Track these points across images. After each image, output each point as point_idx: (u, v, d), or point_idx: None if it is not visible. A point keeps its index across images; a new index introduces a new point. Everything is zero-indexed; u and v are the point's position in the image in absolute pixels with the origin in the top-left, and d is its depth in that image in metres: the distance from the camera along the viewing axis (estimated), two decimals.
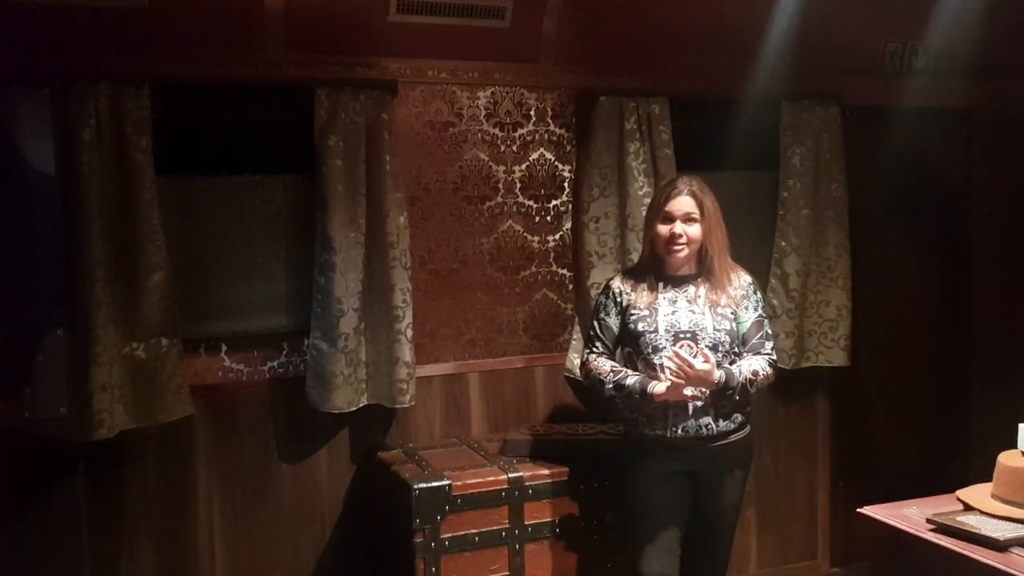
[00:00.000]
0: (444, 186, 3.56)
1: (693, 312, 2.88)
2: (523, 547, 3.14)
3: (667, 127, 3.71)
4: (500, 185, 3.64)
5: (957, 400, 4.52)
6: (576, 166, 3.73)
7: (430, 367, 3.56)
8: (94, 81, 2.96)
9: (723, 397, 2.84)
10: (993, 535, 2.30)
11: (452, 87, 3.54)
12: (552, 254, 3.74)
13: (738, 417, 2.91)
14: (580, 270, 3.72)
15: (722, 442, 2.90)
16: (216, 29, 3.12)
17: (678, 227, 2.88)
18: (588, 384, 3.04)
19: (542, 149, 3.69)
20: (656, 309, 2.89)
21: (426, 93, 3.51)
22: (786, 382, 4.01)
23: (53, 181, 3.01)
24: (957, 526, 2.37)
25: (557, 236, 3.74)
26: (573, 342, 3.71)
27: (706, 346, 2.83)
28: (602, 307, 3.03)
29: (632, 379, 2.87)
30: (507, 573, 3.12)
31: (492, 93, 3.60)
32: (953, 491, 2.65)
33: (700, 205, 2.89)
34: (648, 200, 3.57)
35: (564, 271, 3.76)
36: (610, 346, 3.00)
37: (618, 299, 2.99)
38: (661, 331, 2.87)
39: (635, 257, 3.54)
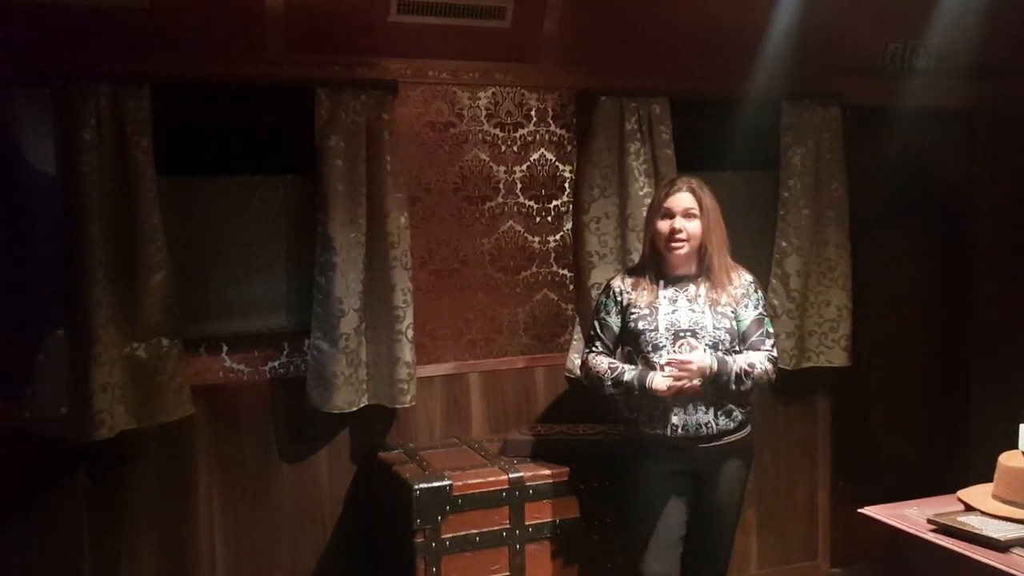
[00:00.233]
0: (445, 186, 3.56)
1: (693, 311, 2.88)
2: (524, 547, 3.14)
3: (667, 127, 3.71)
4: (501, 185, 3.64)
5: (958, 400, 4.52)
6: (577, 166, 3.73)
7: (431, 367, 3.56)
8: (95, 81, 2.96)
9: (721, 389, 2.82)
10: (994, 536, 2.30)
11: (453, 87, 3.54)
12: (553, 254, 3.74)
13: (738, 416, 2.91)
14: (581, 270, 3.72)
15: (722, 441, 2.90)
16: (216, 29, 3.12)
17: (678, 222, 2.89)
18: (588, 383, 3.05)
19: (543, 149, 3.69)
20: (656, 308, 2.90)
21: (427, 93, 3.51)
22: (786, 382, 4.02)
23: (54, 181, 3.02)
24: (958, 526, 2.37)
25: (558, 236, 3.74)
26: (574, 342, 3.71)
27: (706, 345, 2.83)
28: (602, 306, 3.04)
29: (630, 374, 2.87)
30: (508, 573, 3.12)
31: (493, 93, 3.60)
32: (954, 491, 2.65)
33: (699, 201, 2.91)
34: (648, 200, 3.57)
35: (565, 271, 3.76)
36: (610, 345, 3.00)
37: (618, 298, 3.00)
38: (661, 330, 2.87)
39: (635, 257, 3.54)
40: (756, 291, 2.98)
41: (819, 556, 4.26)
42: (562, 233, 3.75)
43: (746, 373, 2.82)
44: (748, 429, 2.98)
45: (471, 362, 3.64)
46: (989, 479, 2.58)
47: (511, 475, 3.13)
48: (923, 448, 4.45)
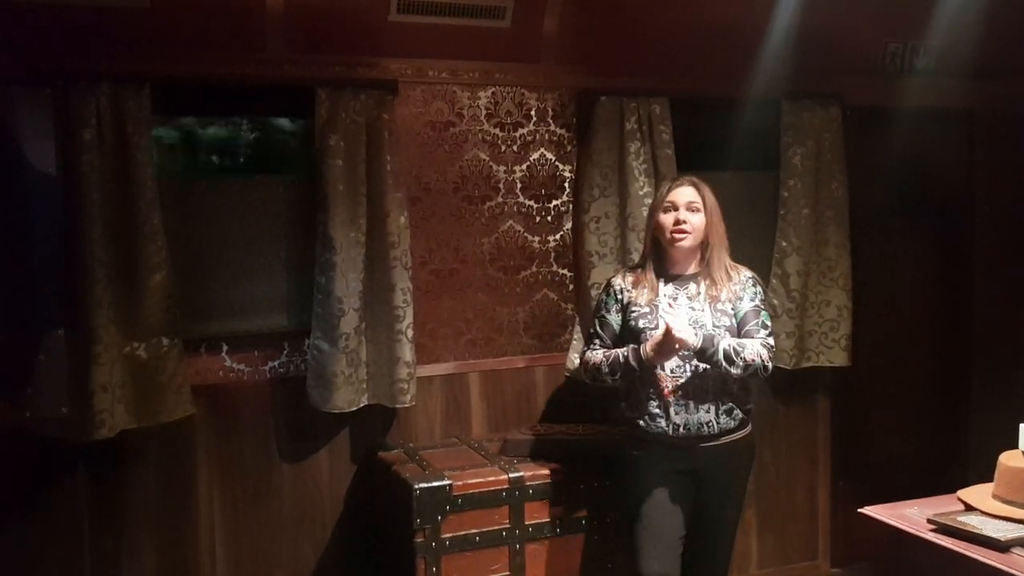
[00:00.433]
0: (445, 186, 3.56)
1: (693, 309, 2.88)
2: (523, 547, 3.14)
3: (668, 127, 3.71)
4: (501, 185, 3.64)
5: (958, 400, 4.52)
6: (577, 166, 3.73)
7: (431, 367, 3.56)
8: (95, 81, 2.96)
9: (710, 362, 2.79)
10: (994, 535, 2.30)
11: (453, 87, 3.54)
12: (553, 254, 3.74)
13: (739, 415, 2.91)
14: (581, 270, 3.72)
15: (723, 440, 2.90)
16: (217, 29, 3.12)
17: (682, 214, 2.90)
18: (590, 379, 3.05)
19: (543, 149, 3.69)
20: (657, 306, 2.90)
21: (427, 93, 3.51)
22: (786, 382, 4.02)
23: (54, 181, 3.02)
24: (958, 526, 2.37)
25: (558, 236, 3.74)
26: (574, 342, 3.71)
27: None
28: (603, 305, 3.04)
29: (623, 353, 2.87)
30: (508, 573, 3.12)
31: (493, 93, 3.60)
32: (954, 491, 2.64)
33: (702, 196, 2.93)
34: (649, 200, 3.57)
35: (565, 271, 3.76)
36: (609, 343, 3.00)
37: (619, 296, 3.00)
38: (662, 328, 2.87)
39: (635, 257, 3.55)
40: (755, 286, 2.98)
41: (819, 556, 4.26)
42: (562, 233, 3.75)
43: (736, 352, 2.80)
44: (749, 428, 2.98)
45: (471, 362, 3.64)
46: (989, 479, 2.58)
47: (511, 475, 3.13)
48: (923, 448, 4.45)
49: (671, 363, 2.86)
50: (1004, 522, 2.39)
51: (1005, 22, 3.88)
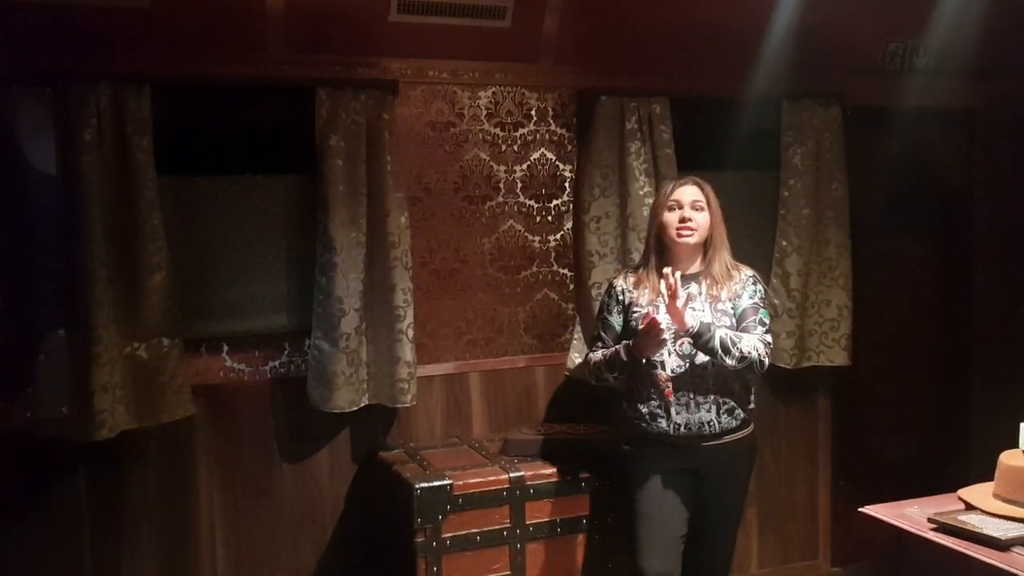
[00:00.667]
0: (445, 186, 3.56)
1: (694, 308, 2.88)
2: (524, 546, 3.14)
3: (668, 127, 3.71)
4: (501, 185, 3.64)
5: (958, 399, 4.53)
6: (577, 166, 3.73)
7: (431, 367, 3.56)
8: (95, 81, 2.96)
9: (705, 349, 2.79)
10: (995, 534, 2.30)
11: (453, 87, 3.54)
12: (553, 254, 3.74)
13: (740, 415, 2.91)
14: (581, 270, 3.72)
15: (725, 440, 2.90)
16: (217, 29, 3.12)
17: (687, 212, 2.92)
18: (594, 379, 3.07)
19: (543, 149, 3.69)
20: (658, 306, 2.90)
21: (427, 93, 3.51)
22: (786, 382, 4.03)
23: (54, 181, 3.02)
24: (959, 525, 2.37)
25: (558, 236, 3.74)
26: (574, 342, 3.71)
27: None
28: (605, 307, 3.06)
29: (619, 348, 2.90)
30: (508, 573, 3.12)
31: (493, 93, 3.60)
32: (954, 490, 2.64)
33: (706, 195, 2.95)
34: (649, 200, 3.58)
35: (565, 271, 3.76)
36: (611, 345, 3.01)
37: (620, 297, 3.01)
38: (663, 328, 2.87)
39: (636, 257, 3.55)
40: (755, 284, 2.98)
41: (819, 555, 4.26)
42: (562, 232, 3.75)
43: (732, 342, 2.79)
44: (750, 428, 2.98)
45: (471, 362, 3.64)
46: (990, 478, 2.58)
47: (512, 474, 3.13)
48: (923, 448, 4.45)
49: (672, 363, 2.86)
50: (1005, 521, 2.39)
51: (1005, 22, 3.88)
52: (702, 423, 2.86)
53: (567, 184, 3.74)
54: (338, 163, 3.27)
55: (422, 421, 3.58)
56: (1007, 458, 2.54)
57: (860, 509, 2.62)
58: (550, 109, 3.69)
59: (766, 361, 2.86)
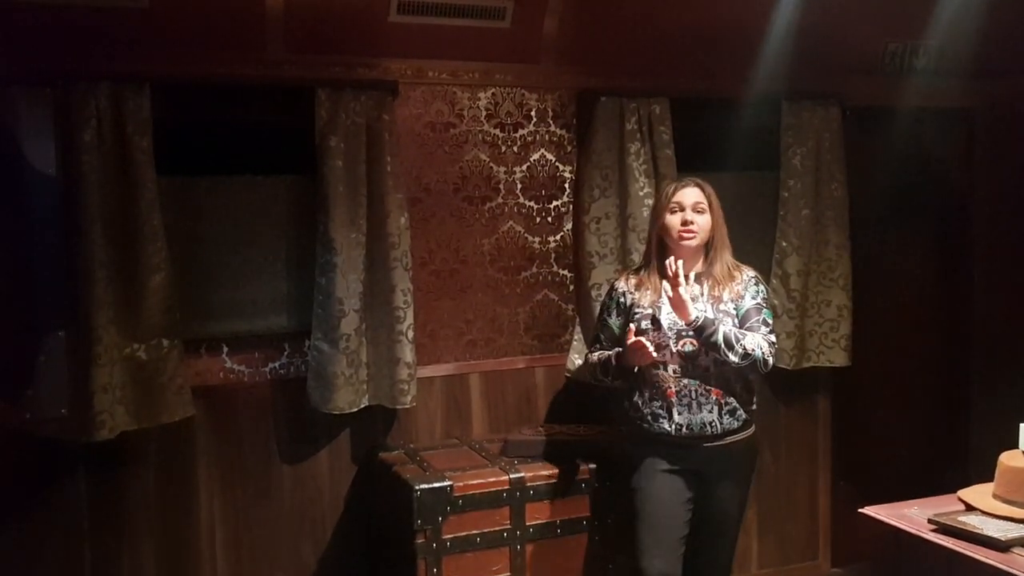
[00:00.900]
0: (445, 187, 3.56)
1: (696, 309, 2.87)
2: (524, 548, 3.14)
3: (668, 127, 3.71)
4: (501, 186, 3.64)
5: (958, 400, 4.53)
6: (577, 167, 3.73)
7: (431, 368, 3.56)
8: (95, 81, 2.96)
9: (708, 343, 2.80)
10: (995, 535, 2.30)
11: (453, 88, 3.54)
12: (553, 255, 3.74)
13: (742, 415, 2.91)
14: (581, 271, 3.72)
15: (726, 441, 2.90)
16: (217, 29, 3.12)
17: (689, 215, 2.92)
18: (592, 380, 3.08)
19: (543, 150, 3.69)
20: (660, 307, 2.90)
21: (427, 94, 3.51)
22: (786, 382, 4.03)
23: (54, 181, 3.01)
24: (959, 526, 2.37)
25: (558, 237, 3.74)
26: (574, 343, 3.71)
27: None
28: (605, 307, 3.07)
29: (612, 355, 2.95)
30: (508, 574, 3.12)
31: (493, 94, 3.60)
32: (954, 491, 2.65)
33: (708, 197, 2.96)
34: (649, 200, 3.58)
35: (565, 272, 3.76)
36: (609, 346, 3.01)
37: (620, 300, 3.01)
38: (665, 328, 2.88)
39: (636, 258, 3.55)
40: (757, 284, 2.99)
41: (819, 556, 4.26)
42: (562, 233, 3.75)
43: (736, 339, 2.80)
44: (752, 429, 2.98)
45: (471, 362, 3.64)
46: (989, 479, 2.58)
47: (512, 475, 3.13)
48: (923, 448, 4.45)
49: (674, 363, 2.87)
50: (1004, 522, 2.39)
51: (1005, 22, 3.88)
52: (704, 424, 2.86)
53: (567, 185, 3.74)
54: (338, 164, 3.26)
55: (422, 422, 3.58)
56: (1007, 459, 2.54)
57: (860, 510, 2.62)
58: (550, 110, 3.69)
59: (770, 360, 2.86)
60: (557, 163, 3.72)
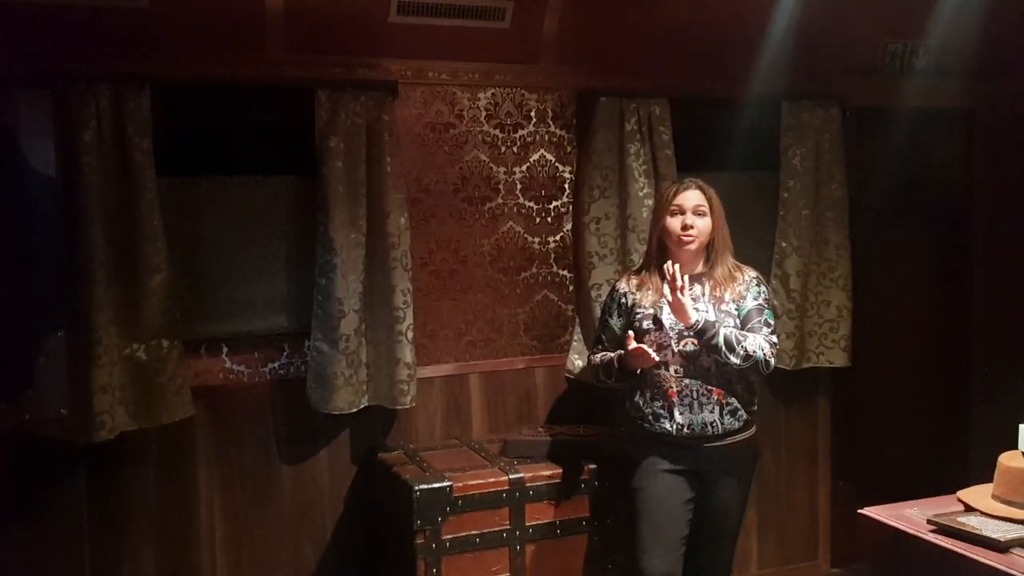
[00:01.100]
0: (445, 187, 3.56)
1: (698, 310, 2.88)
2: (524, 548, 3.14)
3: (668, 128, 3.71)
4: (501, 186, 3.64)
5: (958, 400, 4.52)
6: (577, 167, 3.73)
7: (431, 368, 3.56)
8: (95, 82, 2.96)
9: (709, 346, 2.80)
10: (994, 536, 2.30)
11: (453, 88, 3.54)
12: (553, 255, 3.74)
13: (743, 416, 2.91)
14: (581, 271, 3.72)
15: (728, 441, 2.89)
16: (216, 30, 3.12)
17: (689, 218, 2.91)
18: (594, 381, 3.09)
19: (542, 150, 3.69)
20: (662, 307, 2.91)
21: (427, 94, 3.51)
22: (786, 382, 4.03)
23: (54, 182, 3.01)
24: (958, 527, 2.38)
25: (558, 237, 3.74)
26: (574, 343, 3.71)
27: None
28: (606, 309, 3.07)
29: (613, 357, 2.95)
30: (508, 574, 3.12)
31: (493, 94, 3.60)
32: (954, 492, 2.65)
33: (709, 200, 2.95)
34: (649, 201, 3.58)
35: (565, 272, 3.76)
36: (611, 348, 3.01)
37: (622, 301, 3.01)
38: (666, 328, 2.88)
39: (636, 258, 3.55)
40: (758, 284, 2.99)
41: (819, 556, 4.26)
42: (562, 234, 3.75)
43: (737, 340, 2.80)
44: (753, 429, 2.98)
45: (471, 363, 3.64)
46: (989, 479, 2.58)
47: (511, 476, 3.13)
48: (923, 448, 4.45)
49: (676, 363, 2.87)
50: (1004, 522, 2.39)
51: (1005, 22, 3.88)
52: (705, 424, 2.86)
53: (567, 185, 3.74)
54: (338, 164, 3.26)
55: (422, 422, 3.58)
56: (1007, 459, 2.55)
57: (860, 510, 2.62)
58: (550, 110, 3.69)
59: (772, 361, 2.87)
60: (557, 163, 3.72)
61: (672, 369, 2.88)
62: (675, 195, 2.96)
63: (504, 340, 3.69)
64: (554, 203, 3.73)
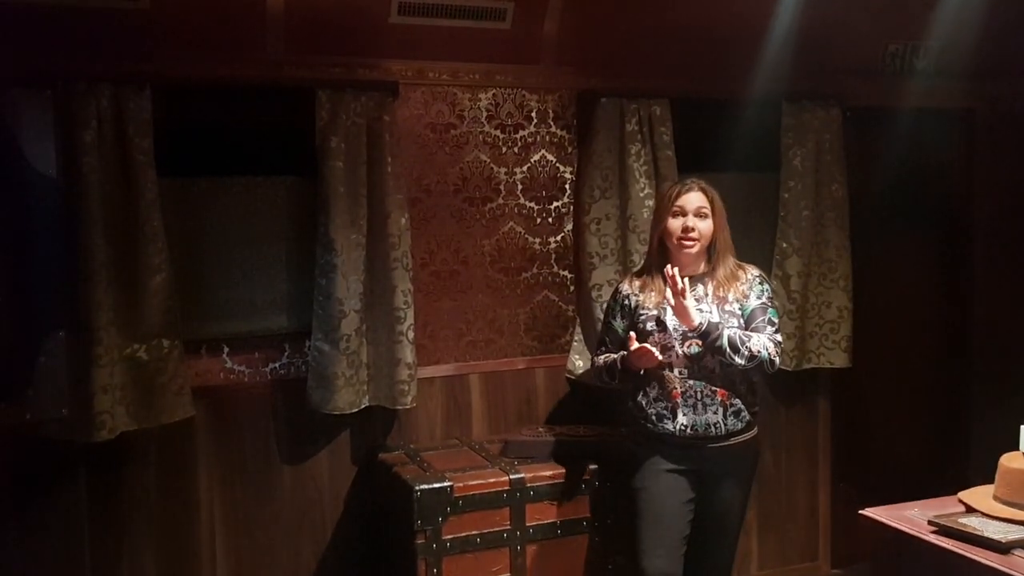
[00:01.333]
0: (445, 188, 3.56)
1: (701, 310, 2.87)
2: (524, 548, 3.14)
3: (668, 128, 3.71)
4: (501, 187, 3.64)
5: (958, 401, 4.52)
6: (577, 167, 3.73)
7: (431, 368, 3.56)
8: (95, 82, 2.96)
9: (712, 348, 2.80)
10: (995, 537, 2.30)
11: (453, 89, 3.54)
12: (553, 255, 3.74)
13: (746, 417, 2.91)
14: (581, 271, 3.72)
15: (730, 442, 2.90)
16: (217, 30, 3.12)
17: (690, 221, 2.91)
18: (599, 382, 3.08)
19: (543, 151, 3.69)
20: (665, 309, 2.90)
21: (427, 95, 3.51)
22: (787, 383, 4.03)
23: (54, 182, 3.01)
24: (959, 528, 2.37)
25: (558, 237, 3.74)
26: (574, 343, 3.71)
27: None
28: (609, 311, 3.07)
29: (617, 358, 2.94)
30: (509, 574, 3.12)
31: (493, 95, 3.60)
32: (955, 493, 2.64)
33: (711, 201, 2.94)
34: (650, 202, 3.58)
35: (565, 272, 3.76)
36: (615, 349, 3.01)
37: (625, 302, 3.01)
38: (670, 330, 2.88)
39: (636, 259, 3.55)
40: (762, 283, 2.98)
41: (819, 557, 4.26)
42: (563, 234, 3.75)
43: (741, 341, 2.80)
44: (755, 431, 2.98)
45: (472, 363, 3.64)
46: (990, 480, 2.57)
47: (512, 476, 3.13)
48: (923, 448, 4.45)
49: (680, 364, 2.88)
50: (1005, 524, 2.38)
51: (1005, 22, 3.88)
52: (708, 425, 2.87)
53: (567, 186, 3.74)
54: (338, 165, 3.26)
55: (422, 423, 3.58)
56: (1008, 460, 2.54)
57: (860, 511, 2.61)
58: (550, 111, 3.69)
59: (776, 361, 2.86)
60: (558, 164, 3.72)
61: (676, 370, 2.88)
62: (677, 196, 2.95)
63: (505, 340, 3.69)
64: (555, 204, 3.73)
